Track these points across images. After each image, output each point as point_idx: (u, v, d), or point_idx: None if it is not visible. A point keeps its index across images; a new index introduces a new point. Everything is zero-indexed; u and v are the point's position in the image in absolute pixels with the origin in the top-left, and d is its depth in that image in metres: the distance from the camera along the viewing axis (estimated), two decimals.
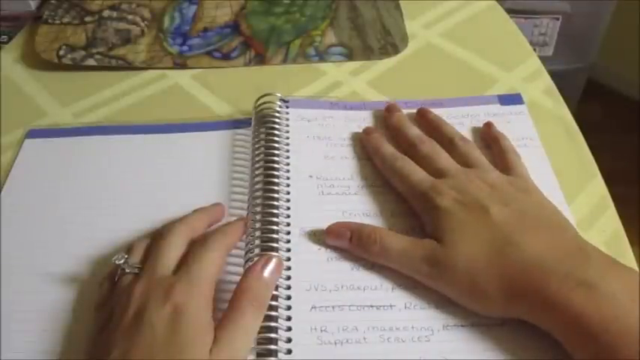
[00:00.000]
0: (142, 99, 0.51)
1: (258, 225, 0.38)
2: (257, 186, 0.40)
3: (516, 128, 0.45)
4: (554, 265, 0.31)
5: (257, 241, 0.37)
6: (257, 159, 0.42)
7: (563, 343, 0.30)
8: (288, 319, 0.34)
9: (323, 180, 0.42)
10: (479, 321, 0.33)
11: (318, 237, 0.38)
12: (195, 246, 0.35)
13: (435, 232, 0.35)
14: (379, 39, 0.56)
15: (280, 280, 0.35)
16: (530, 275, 0.31)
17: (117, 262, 0.34)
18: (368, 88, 0.51)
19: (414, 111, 0.46)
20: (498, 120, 0.46)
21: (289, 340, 0.33)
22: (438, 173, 0.39)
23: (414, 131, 0.43)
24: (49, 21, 0.58)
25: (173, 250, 0.34)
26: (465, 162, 0.40)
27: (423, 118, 0.45)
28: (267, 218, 0.38)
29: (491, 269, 0.32)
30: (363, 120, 0.47)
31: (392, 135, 0.44)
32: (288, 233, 0.38)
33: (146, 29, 0.58)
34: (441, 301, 0.34)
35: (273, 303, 0.34)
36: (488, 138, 0.44)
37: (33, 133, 0.47)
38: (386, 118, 0.46)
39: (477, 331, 0.33)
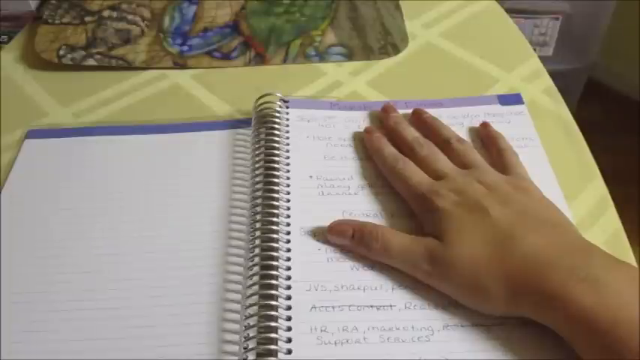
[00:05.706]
0: (142, 99, 0.50)
1: (258, 225, 0.38)
2: (257, 186, 0.40)
3: (516, 128, 0.45)
4: (557, 261, 0.31)
5: (257, 241, 0.37)
6: (257, 159, 0.42)
7: (567, 338, 0.30)
8: (288, 319, 0.34)
9: (323, 180, 0.42)
10: (479, 321, 0.33)
11: (319, 237, 0.38)
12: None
13: (434, 233, 0.35)
14: (379, 39, 0.56)
15: (280, 280, 0.35)
16: (532, 271, 0.31)
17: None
18: (368, 88, 0.51)
19: None
20: (498, 120, 0.46)
21: (289, 340, 0.33)
22: (436, 175, 0.39)
23: (411, 133, 0.43)
24: (49, 21, 0.58)
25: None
26: (462, 163, 0.40)
27: (418, 119, 0.45)
28: (267, 218, 0.38)
29: (493, 266, 0.32)
30: (363, 120, 0.47)
31: (389, 136, 0.44)
32: (288, 233, 0.38)
33: (146, 29, 0.58)
34: (441, 301, 0.34)
35: (273, 303, 0.34)
36: (486, 138, 0.44)
37: (33, 134, 0.47)
38: (382, 118, 0.46)
39: (477, 331, 0.33)
